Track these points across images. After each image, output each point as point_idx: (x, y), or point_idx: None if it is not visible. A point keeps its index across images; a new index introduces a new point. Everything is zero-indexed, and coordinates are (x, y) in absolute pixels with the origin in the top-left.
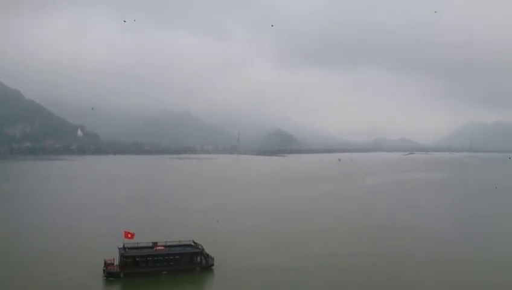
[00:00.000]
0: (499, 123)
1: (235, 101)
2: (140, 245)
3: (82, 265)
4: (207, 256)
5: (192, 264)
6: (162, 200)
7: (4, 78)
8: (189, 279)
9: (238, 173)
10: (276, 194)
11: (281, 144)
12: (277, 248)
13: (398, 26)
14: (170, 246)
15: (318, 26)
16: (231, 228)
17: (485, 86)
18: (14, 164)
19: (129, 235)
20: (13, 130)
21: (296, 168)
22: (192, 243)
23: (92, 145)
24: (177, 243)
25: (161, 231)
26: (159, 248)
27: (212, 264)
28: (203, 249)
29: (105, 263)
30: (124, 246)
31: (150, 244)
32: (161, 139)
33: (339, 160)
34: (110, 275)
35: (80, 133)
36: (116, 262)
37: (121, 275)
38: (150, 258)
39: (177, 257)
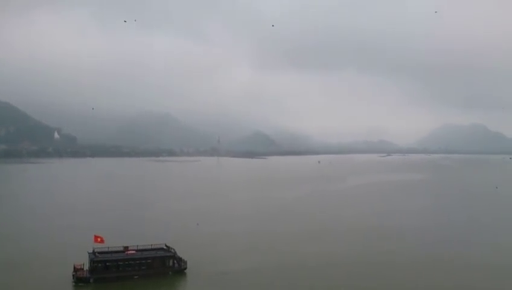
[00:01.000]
0: (474, 125)
1: (216, 103)
2: (111, 249)
3: (51, 271)
4: (180, 260)
5: (164, 268)
6: (139, 203)
7: None
8: (161, 283)
9: (219, 176)
10: (257, 196)
11: (261, 146)
12: (255, 250)
13: (378, 30)
14: (142, 250)
15: (299, 29)
16: (210, 231)
17: (461, 89)
18: None
19: (99, 240)
20: None
21: (277, 171)
22: (165, 247)
23: (69, 147)
24: (149, 247)
25: (137, 235)
26: (130, 252)
27: (185, 268)
28: (175, 252)
29: (74, 268)
30: (94, 250)
31: (121, 249)
32: (141, 141)
33: (319, 162)
34: (79, 280)
35: (56, 135)
36: (86, 267)
37: (91, 280)
38: (121, 263)
39: (148, 261)
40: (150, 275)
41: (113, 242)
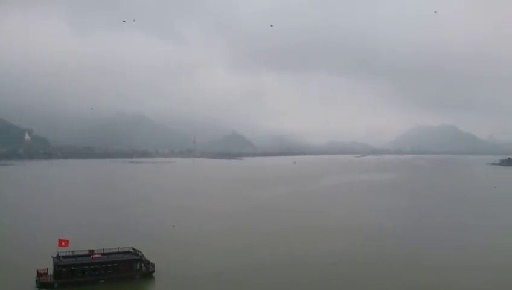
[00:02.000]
0: (445, 126)
1: (191, 103)
2: (76, 253)
3: (13, 276)
4: (147, 263)
5: (131, 272)
6: (110, 205)
7: None
8: (127, 287)
9: (195, 177)
10: (233, 197)
11: (237, 147)
12: (229, 252)
13: (351, 32)
14: (108, 254)
15: (273, 30)
16: (186, 233)
17: (433, 91)
18: None
19: (63, 243)
20: None
21: (253, 171)
22: (132, 250)
23: (41, 149)
24: (116, 250)
25: (106, 238)
26: (96, 255)
27: (153, 271)
28: (142, 255)
29: (38, 273)
30: (58, 254)
31: (87, 252)
32: (114, 142)
33: (295, 162)
34: (43, 285)
35: (27, 137)
36: (50, 272)
37: (55, 285)
38: (87, 267)
39: (115, 264)
40: (117, 279)
41: (80, 246)
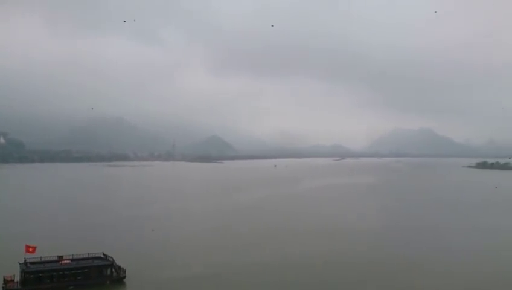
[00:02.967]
0: (423, 130)
1: (171, 107)
2: (44, 259)
3: None
4: (118, 268)
5: (101, 278)
6: (87, 210)
7: None
8: None
9: (175, 180)
10: (215, 200)
11: (217, 151)
12: (205, 256)
13: (330, 36)
14: (77, 259)
15: (253, 35)
16: (165, 237)
17: (411, 95)
18: None
19: (31, 249)
20: None
21: (233, 175)
22: (102, 255)
23: (16, 153)
24: (86, 256)
25: (82, 243)
26: (65, 261)
27: (124, 277)
28: (113, 261)
29: (4, 280)
30: (25, 261)
31: (55, 258)
32: (93, 146)
33: (275, 166)
34: None
35: (1, 140)
36: (17, 278)
37: None
38: (55, 273)
39: (85, 270)
40: (86, 285)
41: (49, 252)
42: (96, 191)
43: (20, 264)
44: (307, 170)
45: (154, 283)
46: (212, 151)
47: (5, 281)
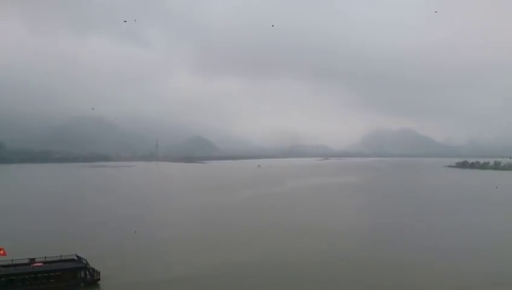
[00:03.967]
0: (404, 130)
1: (154, 107)
2: (15, 262)
3: None
4: (93, 270)
5: (75, 280)
6: (66, 212)
7: None
8: None
9: (158, 181)
10: (198, 201)
11: (200, 151)
12: (183, 258)
13: (314, 37)
14: (50, 262)
15: (237, 36)
16: (147, 238)
17: (392, 96)
18: None
19: (1, 252)
20: None
21: (217, 175)
22: (76, 258)
23: None
24: (59, 259)
25: (55, 245)
26: (37, 264)
27: (98, 279)
28: (87, 263)
29: None
30: None
31: (27, 261)
32: (73, 146)
33: (259, 166)
34: None
35: None
36: None
37: None
38: (27, 276)
39: (58, 273)
40: (59, 288)
41: (21, 254)
42: (77, 193)
43: None
44: (291, 170)
45: (129, 286)
46: (196, 152)
47: None
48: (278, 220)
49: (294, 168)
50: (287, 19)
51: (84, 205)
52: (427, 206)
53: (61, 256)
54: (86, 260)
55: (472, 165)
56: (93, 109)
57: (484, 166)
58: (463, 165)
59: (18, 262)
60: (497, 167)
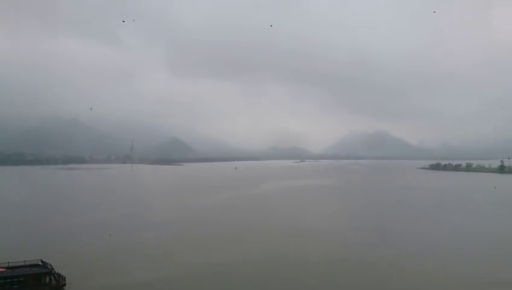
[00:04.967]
0: (378, 133)
1: (129, 109)
2: None
3: None
4: (58, 276)
5: (39, 286)
6: (36, 215)
7: None
8: None
9: (133, 184)
10: (174, 204)
11: (177, 153)
12: (153, 261)
13: (291, 40)
14: (14, 267)
15: (214, 36)
16: (122, 241)
17: (366, 100)
18: None
19: None
20: None
21: (194, 177)
22: (40, 263)
23: None
24: (22, 264)
25: (17, 251)
26: (0, 269)
27: (64, 284)
28: (52, 268)
29: None
30: None
31: None
32: (46, 148)
33: (236, 168)
34: None
35: None
36: None
37: None
38: None
39: (21, 278)
40: None
41: None
42: (49, 196)
43: None
44: (267, 173)
45: None
46: (172, 154)
47: None
48: (249, 222)
49: (270, 171)
50: (265, 22)
51: (54, 208)
52: (399, 207)
53: (25, 261)
54: (51, 265)
55: (445, 167)
56: (91, 108)
57: (456, 168)
58: (436, 167)
59: None
60: (468, 168)
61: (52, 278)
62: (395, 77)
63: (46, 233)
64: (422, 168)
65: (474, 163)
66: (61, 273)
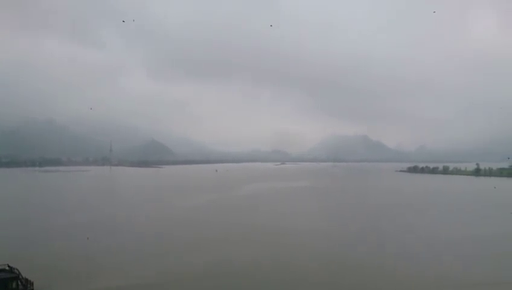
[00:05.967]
0: (357, 136)
1: (108, 111)
2: None
3: None
4: (26, 281)
5: None
6: (7, 219)
7: None
8: None
9: (112, 186)
10: (154, 206)
11: (156, 155)
12: (129, 266)
13: (272, 41)
14: None
15: (194, 38)
16: (99, 244)
17: (346, 103)
18: None
19: None
20: None
21: (174, 180)
22: (7, 268)
23: None
24: None
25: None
26: None
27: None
28: (19, 273)
29: None
30: None
31: None
32: (22, 150)
33: (216, 170)
34: None
35: None
36: None
37: None
38: None
39: None
40: None
41: None
42: (24, 199)
43: None
44: (248, 174)
45: None
46: (151, 156)
47: None
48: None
49: (250, 173)
50: (244, 24)
51: (29, 211)
52: (371, 209)
53: None
54: (18, 270)
55: (422, 170)
56: (91, 109)
57: (434, 171)
58: (414, 169)
59: None
60: (445, 171)
61: (19, 283)
62: (375, 81)
63: (17, 237)
64: (401, 170)
65: (451, 166)
66: (29, 279)
